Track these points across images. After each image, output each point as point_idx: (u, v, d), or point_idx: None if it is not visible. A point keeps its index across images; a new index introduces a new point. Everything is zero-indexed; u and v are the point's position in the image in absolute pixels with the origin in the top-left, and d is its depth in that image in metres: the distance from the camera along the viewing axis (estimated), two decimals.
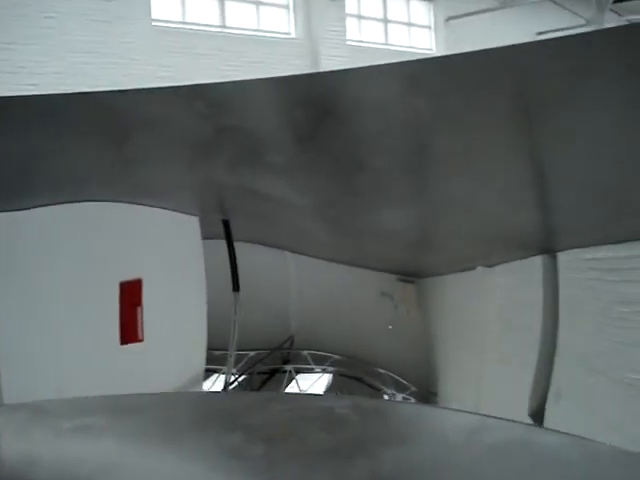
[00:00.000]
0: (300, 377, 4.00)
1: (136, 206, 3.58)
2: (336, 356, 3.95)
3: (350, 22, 13.10)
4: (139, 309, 3.59)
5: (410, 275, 3.58)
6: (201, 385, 3.83)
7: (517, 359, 2.81)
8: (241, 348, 3.90)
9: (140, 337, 3.58)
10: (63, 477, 1.91)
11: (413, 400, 3.63)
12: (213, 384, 3.90)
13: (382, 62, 2.34)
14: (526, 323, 2.71)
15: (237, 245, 3.88)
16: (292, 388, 3.97)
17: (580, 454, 1.69)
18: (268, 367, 4.00)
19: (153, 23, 10.36)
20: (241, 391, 3.99)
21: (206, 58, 10.61)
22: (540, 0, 14.56)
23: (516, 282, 2.80)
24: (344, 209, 3.24)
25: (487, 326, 2.98)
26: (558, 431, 2.02)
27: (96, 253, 3.45)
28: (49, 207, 3.31)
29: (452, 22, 14.73)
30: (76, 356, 3.36)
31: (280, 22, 12.28)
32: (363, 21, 13.73)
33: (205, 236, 3.75)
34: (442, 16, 14.89)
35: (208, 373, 3.89)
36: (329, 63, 11.55)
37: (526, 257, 2.65)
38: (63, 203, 3.37)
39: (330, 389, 3.98)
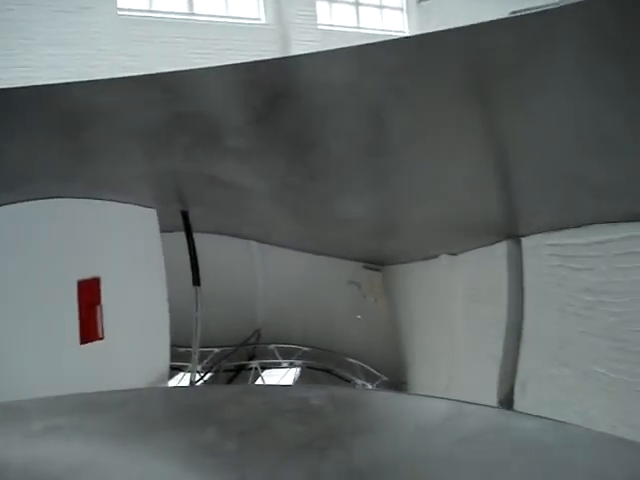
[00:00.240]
0: (267, 373, 3.90)
1: (92, 201, 3.48)
2: (305, 348, 3.86)
3: (321, 6, 12.93)
4: (98, 307, 3.50)
5: (376, 263, 3.50)
6: (166, 383, 3.73)
7: (484, 348, 2.75)
8: (206, 344, 3.81)
9: (100, 335, 3.49)
10: (32, 478, 1.84)
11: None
12: (178, 383, 3.80)
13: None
14: (491, 312, 2.63)
15: (199, 237, 3.79)
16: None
17: (556, 437, 1.69)
18: (233, 364, 3.90)
19: (119, 12, 10.15)
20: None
21: (173, 46, 10.41)
22: None
23: (480, 270, 2.72)
24: (304, 193, 3.16)
25: (453, 315, 2.91)
26: (534, 415, 2.01)
27: (52, 251, 3.34)
28: (2, 207, 3.20)
29: (424, 4, 14.59)
30: (36, 357, 3.26)
31: (249, 8, 12.09)
32: (334, 5, 13.56)
33: (165, 229, 3.64)
34: None
35: (173, 372, 3.79)
36: (300, 48, 11.39)
37: (489, 244, 2.57)
38: (15, 202, 3.25)
39: (299, 383, 3.90)
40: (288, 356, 3.86)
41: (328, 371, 3.78)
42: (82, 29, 9.65)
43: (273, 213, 3.49)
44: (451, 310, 2.92)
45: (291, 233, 3.69)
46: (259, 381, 3.85)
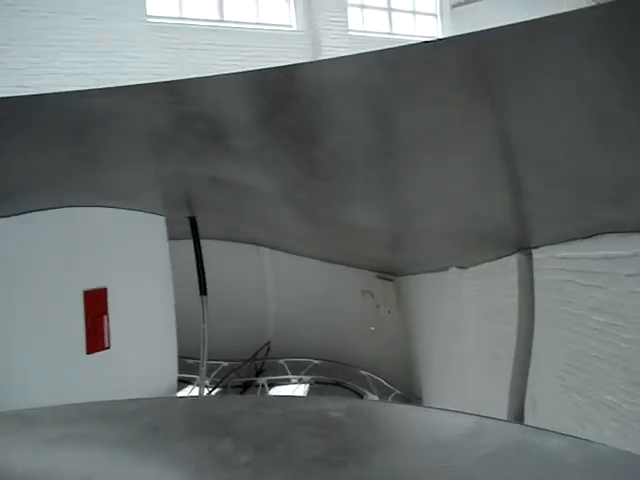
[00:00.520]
0: (275, 390, 3.79)
1: (100, 209, 3.43)
2: (315, 361, 3.75)
3: (352, 12, 12.83)
4: (105, 317, 3.45)
5: (388, 273, 3.38)
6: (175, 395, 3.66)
7: (495, 366, 2.61)
8: (214, 357, 3.72)
9: (107, 345, 3.44)
10: None
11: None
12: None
13: None
14: (501, 330, 2.50)
15: (208, 243, 3.71)
16: None
17: (580, 456, 1.61)
18: (242, 380, 3.80)
19: (148, 20, 10.20)
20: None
21: (203, 53, 10.43)
22: None
23: (490, 287, 2.58)
24: (312, 193, 3.06)
25: (464, 331, 2.77)
26: (557, 432, 1.88)
27: (60, 261, 3.31)
28: (8, 218, 3.17)
29: (458, 9, 14.42)
30: (42, 365, 3.22)
31: (280, 14, 12.05)
32: (366, 10, 13.46)
33: (172, 236, 3.58)
34: (448, 3, 14.56)
35: (181, 384, 3.71)
36: (330, 54, 11.30)
37: (499, 257, 2.43)
38: (21, 213, 3.21)
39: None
40: (298, 370, 3.75)
41: (339, 385, 3.66)
42: (112, 36, 9.72)
43: (282, 215, 3.39)
44: (462, 325, 2.78)
45: (301, 238, 3.59)
46: None
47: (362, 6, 13.36)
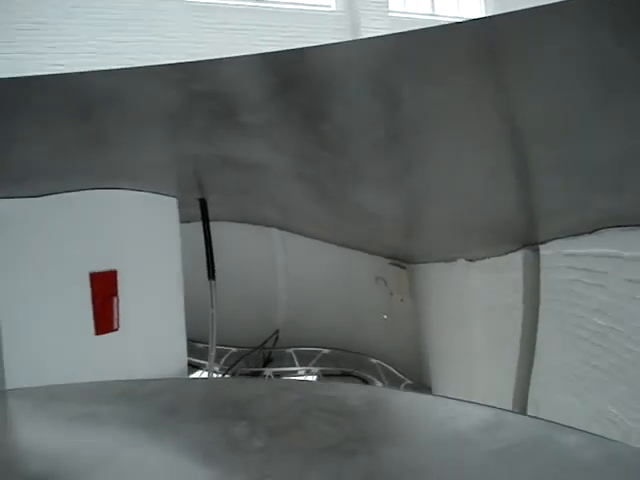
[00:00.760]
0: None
1: (112, 191, 3.41)
2: (325, 350, 3.67)
3: None
4: (114, 299, 3.44)
5: (401, 260, 3.28)
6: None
7: (500, 361, 2.52)
8: (224, 343, 3.68)
9: (115, 327, 3.43)
10: (64, 466, 1.98)
11: None
12: None
13: None
14: (506, 326, 2.40)
15: (218, 225, 3.65)
16: None
17: (597, 454, 1.64)
18: (249, 369, 3.74)
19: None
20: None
21: (241, 34, 10.35)
22: None
23: (497, 283, 2.48)
24: (322, 168, 2.98)
25: (471, 324, 2.68)
26: (575, 428, 1.88)
27: (70, 243, 3.30)
28: (21, 199, 3.17)
29: None
30: (52, 345, 3.23)
31: None
32: None
33: (182, 219, 3.53)
34: None
35: (191, 369, 3.68)
36: (369, 36, 11.13)
37: (506, 253, 2.33)
38: (33, 196, 3.21)
39: None
40: (306, 360, 3.68)
41: (348, 375, 3.59)
42: (149, 16, 9.72)
43: (293, 193, 3.31)
44: (469, 318, 2.69)
45: (313, 218, 3.50)
46: None
47: None
